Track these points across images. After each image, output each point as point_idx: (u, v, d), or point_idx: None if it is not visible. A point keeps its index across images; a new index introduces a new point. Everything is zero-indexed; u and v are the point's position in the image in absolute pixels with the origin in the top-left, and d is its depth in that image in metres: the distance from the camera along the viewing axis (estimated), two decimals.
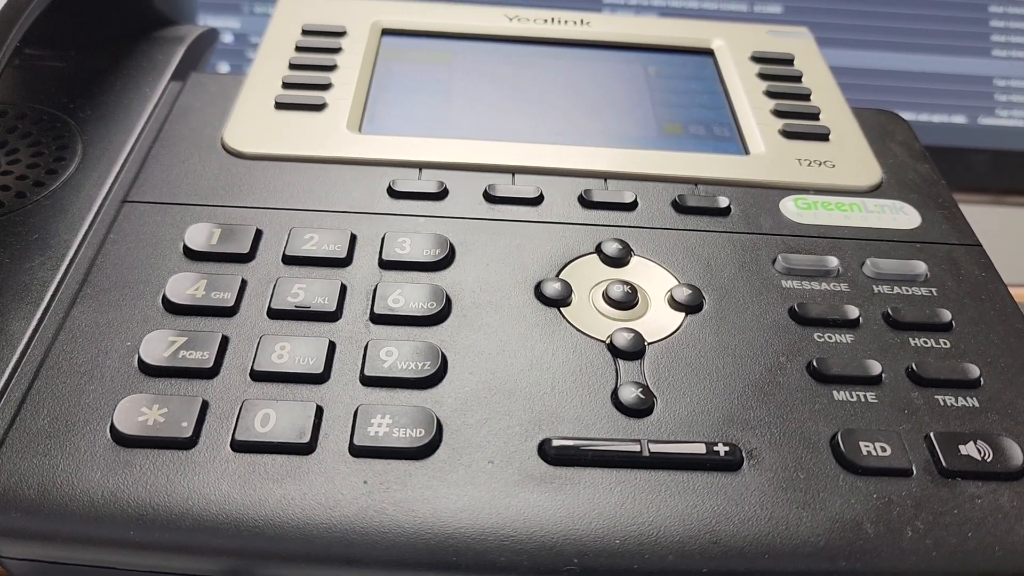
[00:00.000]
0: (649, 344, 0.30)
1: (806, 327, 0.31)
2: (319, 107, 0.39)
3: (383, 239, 0.32)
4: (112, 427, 0.26)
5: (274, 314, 0.29)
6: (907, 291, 0.32)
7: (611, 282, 0.32)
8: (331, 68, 0.41)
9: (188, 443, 0.25)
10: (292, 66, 0.41)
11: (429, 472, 0.25)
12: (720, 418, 0.27)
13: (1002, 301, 0.32)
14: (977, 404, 0.28)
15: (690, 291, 0.31)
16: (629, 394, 0.28)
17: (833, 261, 0.33)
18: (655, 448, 0.26)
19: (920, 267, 0.33)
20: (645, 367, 0.29)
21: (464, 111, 0.41)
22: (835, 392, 0.28)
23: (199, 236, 0.32)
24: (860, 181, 0.38)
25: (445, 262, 0.32)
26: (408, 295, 0.30)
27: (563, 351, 0.29)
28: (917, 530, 0.25)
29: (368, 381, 0.28)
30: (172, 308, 0.29)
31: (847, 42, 0.67)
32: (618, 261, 0.33)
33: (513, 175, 0.36)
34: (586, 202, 0.35)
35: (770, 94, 0.42)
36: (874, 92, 0.66)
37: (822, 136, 0.40)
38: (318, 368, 0.28)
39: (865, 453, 0.26)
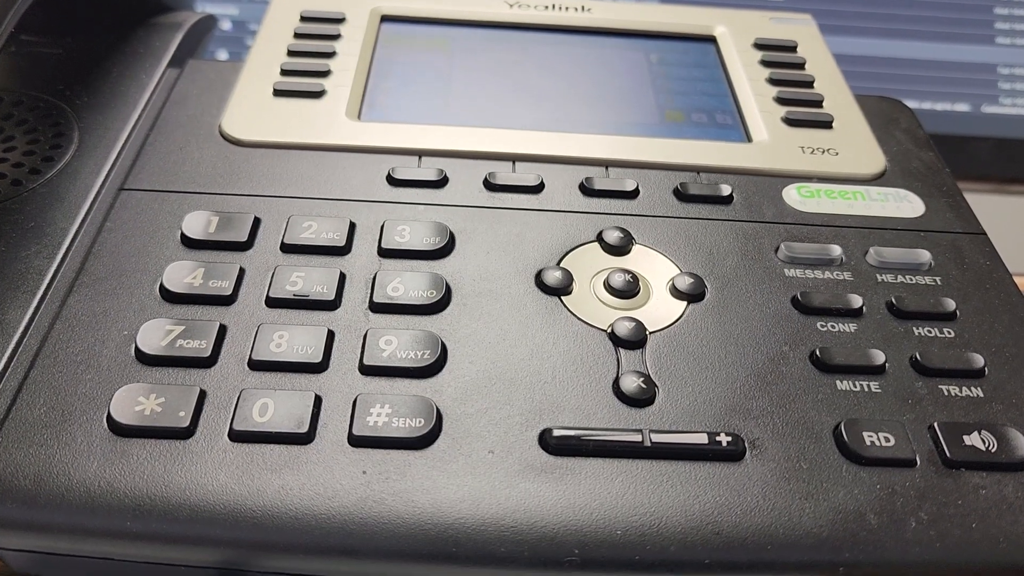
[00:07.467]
0: (650, 333, 0.29)
1: (809, 316, 0.30)
2: (318, 94, 0.38)
3: (382, 227, 0.32)
4: (109, 417, 0.25)
5: (272, 303, 0.29)
6: (911, 280, 0.32)
7: (612, 271, 0.31)
8: (330, 55, 0.41)
9: (185, 433, 0.25)
10: (291, 53, 0.41)
11: (429, 462, 0.25)
12: (722, 408, 0.27)
13: (1007, 290, 0.32)
14: (981, 394, 0.28)
15: (692, 280, 0.31)
16: (630, 383, 0.27)
17: (836, 250, 0.33)
18: (657, 438, 0.26)
19: (924, 256, 0.33)
20: (647, 356, 0.29)
21: (464, 98, 0.40)
22: (838, 382, 0.28)
23: (197, 224, 0.32)
24: (863, 169, 0.37)
25: (445, 250, 0.32)
26: (408, 283, 0.30)
27: (564, 340, 0.29)
28: (921, 521, 0.25)
29: (367, 370, 0.27)
30: (169, 297, 0.29)
31: (851, 29, 0.67)
32: (619, 249, 0.32)
33: (513, 163, 0.36)
34: (587, 190, 0.35)
35: (773, 81, 0.42)
36: (878, 80, 0.66)
37: (825, 124, 0.39)
38: (317, 357, 0.27)
39: (868, 443, 0.26)
